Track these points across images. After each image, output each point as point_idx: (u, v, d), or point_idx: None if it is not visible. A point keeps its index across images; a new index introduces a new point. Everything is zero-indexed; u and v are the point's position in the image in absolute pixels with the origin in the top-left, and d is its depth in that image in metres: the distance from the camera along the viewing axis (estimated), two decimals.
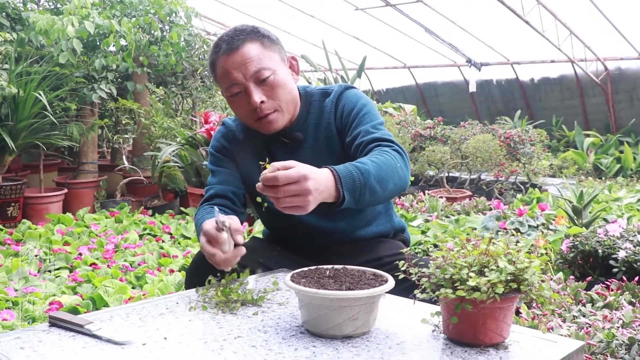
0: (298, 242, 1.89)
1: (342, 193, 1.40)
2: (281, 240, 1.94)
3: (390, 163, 1.54)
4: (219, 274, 1.53)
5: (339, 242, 1.86)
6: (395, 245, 1.88)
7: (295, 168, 1.31)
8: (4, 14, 5.15)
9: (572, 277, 2.60)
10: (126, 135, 6.82)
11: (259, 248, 1.81)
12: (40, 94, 4.69)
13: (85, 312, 2.03)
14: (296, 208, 1.32)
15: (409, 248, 1.70)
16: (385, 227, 1.94)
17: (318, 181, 1.33)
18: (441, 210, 4.95)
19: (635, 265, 2.47)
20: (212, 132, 4.90)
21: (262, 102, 1.69)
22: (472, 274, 1.13)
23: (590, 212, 3.75)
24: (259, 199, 1.49)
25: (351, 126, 1.76)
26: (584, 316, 2.00)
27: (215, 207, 1.58)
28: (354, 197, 1.43)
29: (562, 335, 1.70)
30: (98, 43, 5.68)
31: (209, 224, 1.48)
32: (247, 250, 1.60)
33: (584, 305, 2.16)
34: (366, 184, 1.44)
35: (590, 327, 1.84)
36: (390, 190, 1.54)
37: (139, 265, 3.45)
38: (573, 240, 2.79)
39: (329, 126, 1.81)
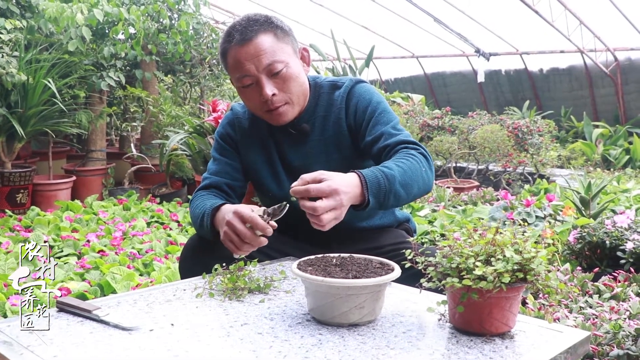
0: (300, 230, 1.89)
1: (368, 197, 1.45)
2: (284, 228, 1.94)
3: (415, 167, 1.57)
4: (224, 264, 1.54)
5: (340, 230, 1.86)
6: (397, 234, 1.88)
7: (327, 182, 1.37)
8: (14, 1, 5.16)
9: (579, 268, 2.59)
10: (134, 123, 6.84)
11: None
12: (49, 82, 4.70)
13: (93, 299, 2.05)
14: (333, 220, 1.39)
15: (414, 237, 1.70)
16: (387, 219, 1.94)
17: (348, 192, 1.40)
18: (448, 201, 4.94)
19: None
20: (219, 121, 4.89)
21: (273, 94, 1.68)
22: (478, 263, 1.13)
23: (598, 204, 3.73)
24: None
25: (368, 125, 1.75)
26: (590, 307, 2.00)
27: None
28: (378, 201, 1.47)
29: (568, 325, 1.70)
30: (107, 31, 5.69)
31: (245, 207, 1.51)
32: None
33: (590, 296, 2.16)
34: (391, 188, 1.48)
35: (596, 318, 1.84)
36: (414, 194, 1.58)
37: (146, 252, 3.47)
38: (580, 231, 2.78)
39: (339, 121, 1.80)
